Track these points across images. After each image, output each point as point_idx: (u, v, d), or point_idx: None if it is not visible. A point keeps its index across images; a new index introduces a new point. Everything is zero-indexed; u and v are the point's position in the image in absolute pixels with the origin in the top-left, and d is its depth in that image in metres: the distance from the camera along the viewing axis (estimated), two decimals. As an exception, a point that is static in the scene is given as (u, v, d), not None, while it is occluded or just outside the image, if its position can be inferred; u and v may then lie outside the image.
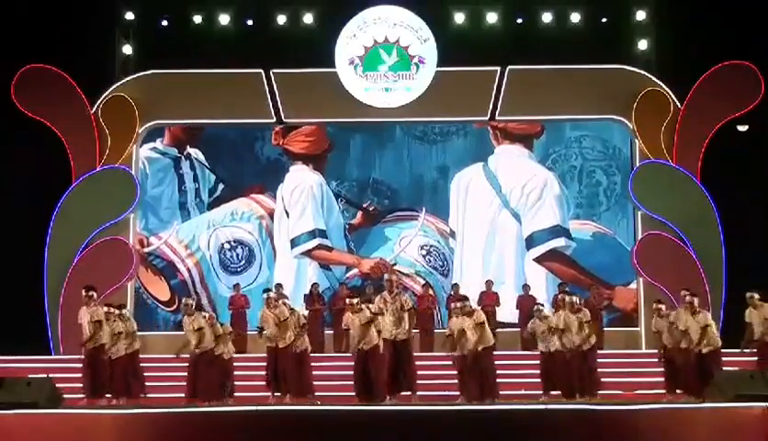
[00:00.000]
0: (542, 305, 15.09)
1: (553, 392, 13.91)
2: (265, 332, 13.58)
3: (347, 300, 13.52)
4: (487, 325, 13.40)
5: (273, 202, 19.35)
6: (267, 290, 14.37)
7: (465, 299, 13.75)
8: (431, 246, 19.30)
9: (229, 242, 19.22)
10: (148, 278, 19.03)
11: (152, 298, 19.01)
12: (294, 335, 13.63)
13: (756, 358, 13.69)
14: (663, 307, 14.28)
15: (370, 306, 13.22)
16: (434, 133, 19.62)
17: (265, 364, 13.93)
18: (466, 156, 19.52)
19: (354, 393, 13.14)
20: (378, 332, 12.99)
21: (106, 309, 13.98)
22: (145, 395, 14.16)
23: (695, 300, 13.50)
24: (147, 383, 14.39)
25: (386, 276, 13.62)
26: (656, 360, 14.35)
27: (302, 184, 19.35)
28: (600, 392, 13.78)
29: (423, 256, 19.22)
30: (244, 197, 19.42)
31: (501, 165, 19.39)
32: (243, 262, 19.15)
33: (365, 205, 19.46)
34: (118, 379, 13.79)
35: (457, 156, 19.55)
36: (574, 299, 14.07)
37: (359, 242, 19.31)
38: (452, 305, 13.94)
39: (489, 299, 17.52)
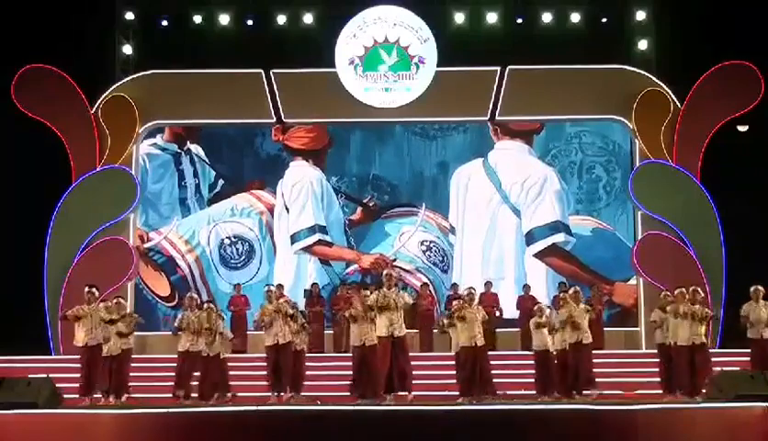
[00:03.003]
0: (543, 304, 14.94)
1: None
2: (263, 324, 13.49)
3: (361, 292, 13.31)
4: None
5: (273, 198, 19.36)
6: (269, 285, 14.41)
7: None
8: (431, 242, 19.31)
9: (229, 237, 19.24)
10: (148, 274, 19.07)
11: (153, 293, 19.03)
12: (293, 332, 13.60)
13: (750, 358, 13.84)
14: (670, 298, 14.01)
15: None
16: (433, 129, 19.64)
17: (264, 364, 13.94)
18: (466, 152, 19.53)
19: (348, 392, 13.13)
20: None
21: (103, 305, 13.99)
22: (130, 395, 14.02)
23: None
24: (147, 383, 14.41)
25: (385, 271, 13.46)
26: (656, 360, 14.35)
27: (302, 179, 19.36)
28: (600, 392, 13.67)
29: (423, 252, 19.23)
30: (244, 193, 19.43)
31: (501, 161, 19.40)
32: (243, 257, 19.17)
33: (365, 201, 19.47)
34: (112, 377, 13.73)
35: (456, 152, 19.57)
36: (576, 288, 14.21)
37: (359, 237, 19.33)
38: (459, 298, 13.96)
39: (488, 300, 17.44)
